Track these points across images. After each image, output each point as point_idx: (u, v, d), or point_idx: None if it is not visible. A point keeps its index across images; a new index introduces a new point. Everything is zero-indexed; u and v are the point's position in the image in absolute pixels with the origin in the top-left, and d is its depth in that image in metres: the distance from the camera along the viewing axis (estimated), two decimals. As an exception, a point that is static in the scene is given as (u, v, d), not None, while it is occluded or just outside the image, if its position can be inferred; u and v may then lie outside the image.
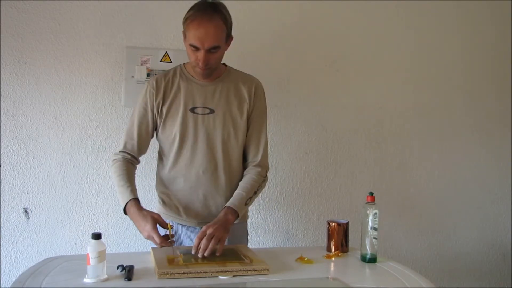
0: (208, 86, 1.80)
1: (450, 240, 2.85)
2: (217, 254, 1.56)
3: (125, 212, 1.69)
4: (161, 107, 1.78)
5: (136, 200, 1.69)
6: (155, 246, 1.65)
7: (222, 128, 1.78)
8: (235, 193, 1.76)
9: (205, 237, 1.56)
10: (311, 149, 2.64)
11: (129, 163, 1.80)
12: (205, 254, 1.54)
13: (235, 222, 1.72)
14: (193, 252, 1.56)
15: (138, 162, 1.86)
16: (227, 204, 1.72)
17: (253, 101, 1.82)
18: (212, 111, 1.78)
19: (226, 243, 1.81)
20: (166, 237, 1.63)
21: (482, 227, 2.90)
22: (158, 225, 1.63)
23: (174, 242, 1.63)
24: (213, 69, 1.74)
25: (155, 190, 1.90)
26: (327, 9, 2.61)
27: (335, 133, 2.66)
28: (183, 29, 1.71)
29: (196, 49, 1.67)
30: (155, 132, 1.84)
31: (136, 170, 1.84)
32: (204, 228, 1.61)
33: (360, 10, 2.65)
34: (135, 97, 2.28)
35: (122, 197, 1.71)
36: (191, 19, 1.66)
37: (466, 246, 2.88)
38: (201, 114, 1.78)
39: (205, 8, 1.66)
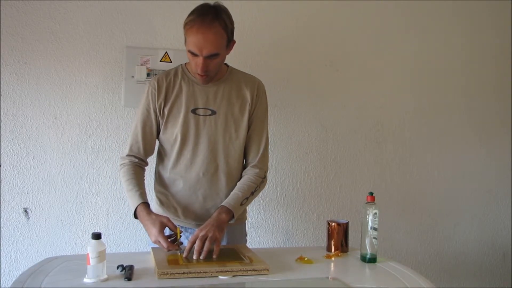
0: (210, 87, 1.78)
1: (450, 240, 2.85)
2: (214, 256, 1.54)
3: (136, 217, 1.68)
4: (163, 108, 1.77)
5: (145, 204, 1.68)
6: (154, 246, 1.65)
7: (224, 130, 1.78)
8: (231, 193, 1.76)
9: (198, 239, 1.55)
10: (311, 149, 2.63)
11: (137, 167, 1.79)
12: (200, 257, 1.53)
13: (231, 222, 1.71)
14: (184, 256, 1.55)
15: (146, 164, 1.85)
16: (222, 204, 1.72)
17: (255, 102, 1.81)
18: (213, 112, 1.77)
19: (224, 243, 1.82)
20: (174, 240, 1.63)
21: (482, 227, 2.90)
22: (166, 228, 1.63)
23: (181, 243, 1.62)
24: (212, 75, 1.73)
25: (153, 190, 1.89)
26: (327, 9, 2.61)
27: (335, 133, 2.66)
28: (183, 33, 1.68)
29: (195, 55, 1.64)
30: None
31: (145, 172, 1.83)
32: (197, 231, 1.60)
33: (360, 10, 2.65)
34: (135, 97, 2.29)
35: (131, 202, 1.70)
36: (191, 24, 1.62)
37: (466, 246, 2.88)
38: (203, 115, 1.77)
39: (205, 13, 1.62)
